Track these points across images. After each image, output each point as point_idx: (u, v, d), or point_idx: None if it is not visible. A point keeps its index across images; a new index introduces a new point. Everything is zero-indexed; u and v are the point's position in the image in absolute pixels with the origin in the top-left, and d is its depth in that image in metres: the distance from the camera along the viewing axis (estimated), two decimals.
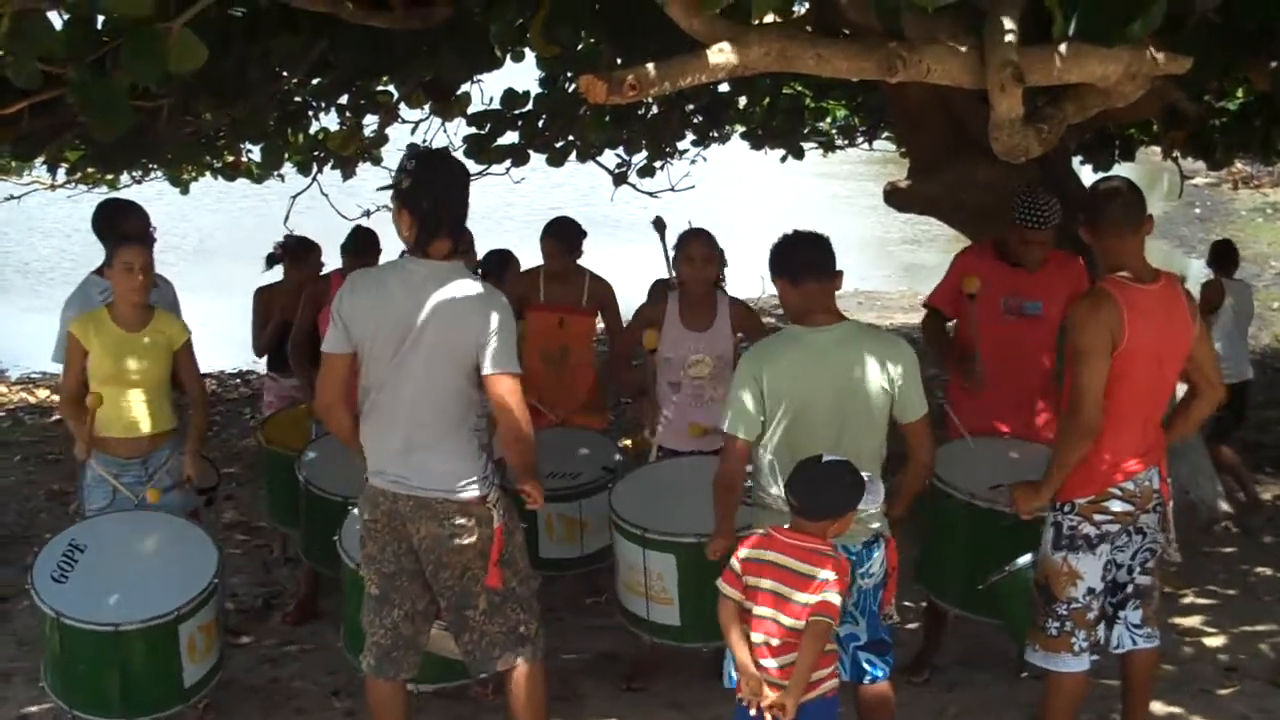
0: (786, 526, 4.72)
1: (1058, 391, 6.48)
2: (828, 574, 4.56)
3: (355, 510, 5.96)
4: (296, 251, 8.38)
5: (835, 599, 4.56)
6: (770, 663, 4.59)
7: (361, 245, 7.54)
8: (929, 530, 5.85)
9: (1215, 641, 6.82)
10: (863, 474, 4.77)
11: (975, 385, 6.52)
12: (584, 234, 7.71)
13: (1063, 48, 4.25)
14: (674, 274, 6.89)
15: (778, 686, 4.57)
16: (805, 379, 4.95)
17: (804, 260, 5.11)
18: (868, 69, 4.28)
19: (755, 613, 4.62)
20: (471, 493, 4.92)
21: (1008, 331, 6.49)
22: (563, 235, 7.58)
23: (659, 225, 7.65)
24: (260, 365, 9.54)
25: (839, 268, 5.16)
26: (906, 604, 6.83)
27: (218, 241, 25.63)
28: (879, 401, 4.99)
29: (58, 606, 5.63)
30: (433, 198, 4.94)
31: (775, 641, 4.58)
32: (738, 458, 5.04)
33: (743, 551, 4.70)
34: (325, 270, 8.09)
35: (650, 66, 3.97)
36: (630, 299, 7.73)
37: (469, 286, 4.90)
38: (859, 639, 5.06)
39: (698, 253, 6.57)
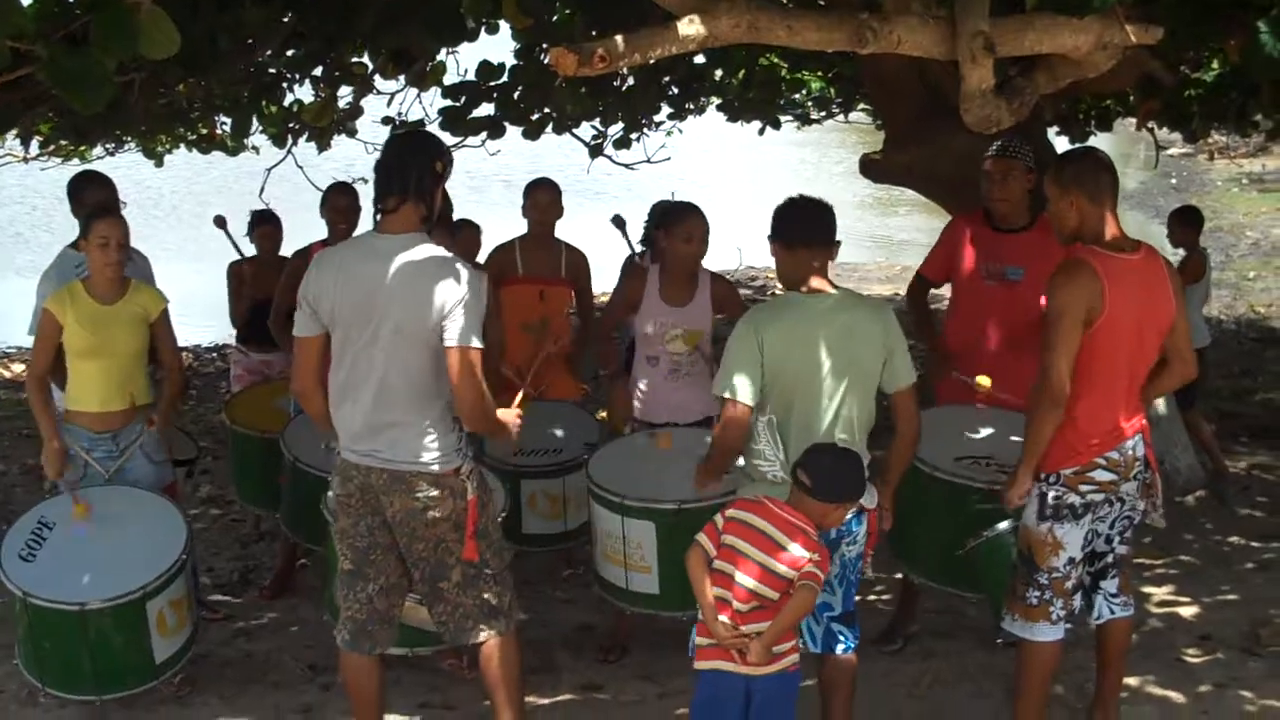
0: (782, 499, 4.72)
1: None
2: (815, 555, 4.58)
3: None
4: (252, 222, 8.42)
5: (820, 573, 4.59)
6: (739, 626, 4.61)
7: (329, 194, 7.59)
8: (901, 501, 5.86)
9: (1188, 610, 6.85)
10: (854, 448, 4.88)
11: (940, 378, 6.60)
12: None
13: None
14: (641, 255, 6.87)
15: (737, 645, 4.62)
16: (804, 344, 4.91)
17: (802, 226, 5.08)
18: (838, 40, 4.29)
19: (728, 572, 4.61)
20: (444, 465, 4.90)
21: (989, 296, 6.50)
22: (554, 188, 7.53)
23: (619, 223, 7.65)
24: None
25: (838, 239, 5.15)
26: (879, 574, 6.87)
27: (190, 208, 25.62)
28: (872, 368, 4.99)
29: (25, 586, 5.62)
30: (383, 161, 4.97)
31: (744, 607, 4.59)
32: (739, 423, 4.95)
33: (731, 511, 4.70)
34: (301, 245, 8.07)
35: (619, 38, 3.97)
36: (602, 269, 7.72)
37: (432, 258, 4.84)
38: (833, 610, 5.07)
39: (696, 231, 6.48)
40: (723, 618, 4.62)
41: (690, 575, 4.70)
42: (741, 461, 5.08)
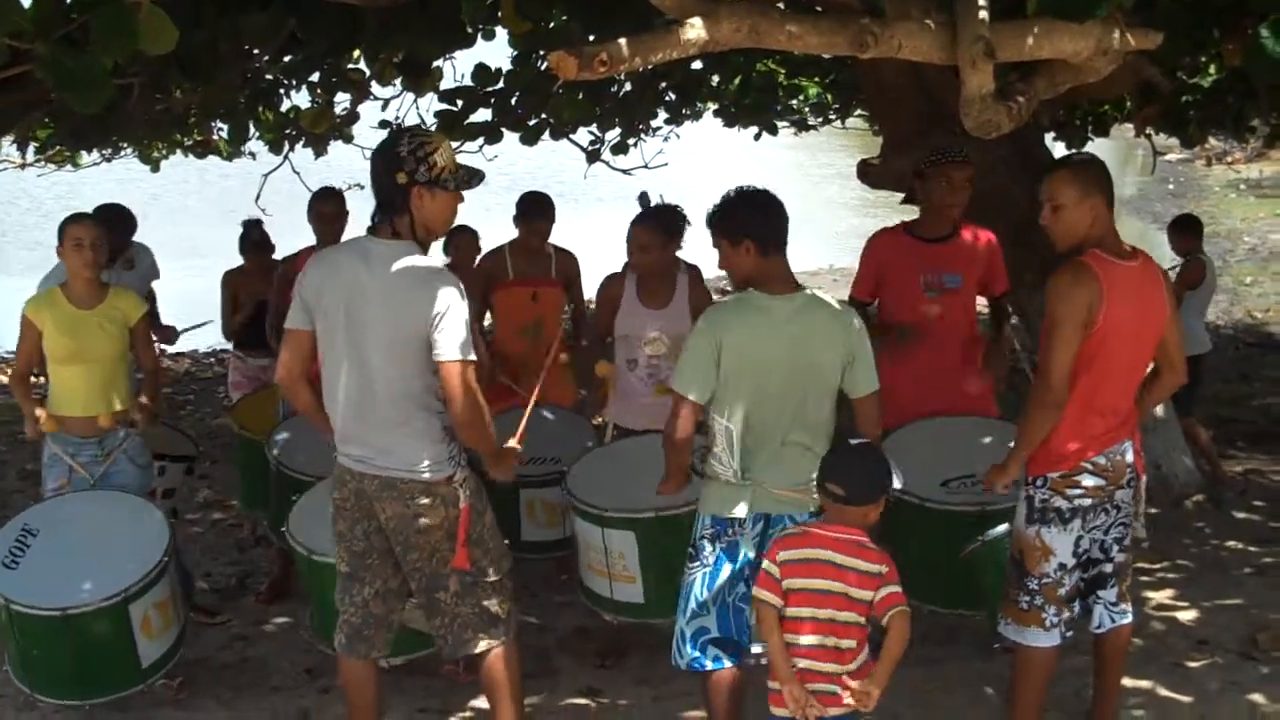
0: (819, 520, 4.67)
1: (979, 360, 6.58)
2: (883, 567, 4.52)
3: (301, 499, 5.98)
4: (245, 239, 8.45)
5: (899, 588, 4.52)
6: (829, 666, 4.53)
7: (314, 200, 7.63)
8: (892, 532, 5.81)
9: (1187, 615, 6.84)
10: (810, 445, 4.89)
11: (906, 341, 6.58)
12: None
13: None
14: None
15: (828, 694, 4.54)
16: (764, 346, 4.84)
17: (778, 228, 4.96)
18: (839, 45, 4.28)
19: (805, 615, 4.53)
20: (436, 473, 4.87)
21: (930, 308, 6.52)
22: (551, 213, 7.56)
23: (644, 200, 7.66)
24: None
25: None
26: None
27: (190, 213, 25.69)
28: (832, 373, 4.92)
29: (7, 592, 5.64)
30: (370, 174, 4.95)
31: (834, 642, 4.52)
32: (689, 418, 4.91)
33: (782, 554, 4.57)
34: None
35: (621, 42, 3.96)
36: (600, 274, 7.72)
37: (418, 267, 4.80)
38: None
39: (636, 241, 6.49)
40: (802, 662, 4.55)
41: (766, 637, 4.60)
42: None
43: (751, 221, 4.96)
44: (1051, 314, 4.97)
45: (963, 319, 6.64)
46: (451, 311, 4.72)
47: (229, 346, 9.53)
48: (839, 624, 4.52)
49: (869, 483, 4.59)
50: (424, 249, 4.92)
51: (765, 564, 4.62)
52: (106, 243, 6.30)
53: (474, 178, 5.00)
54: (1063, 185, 5.05)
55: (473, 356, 4.77)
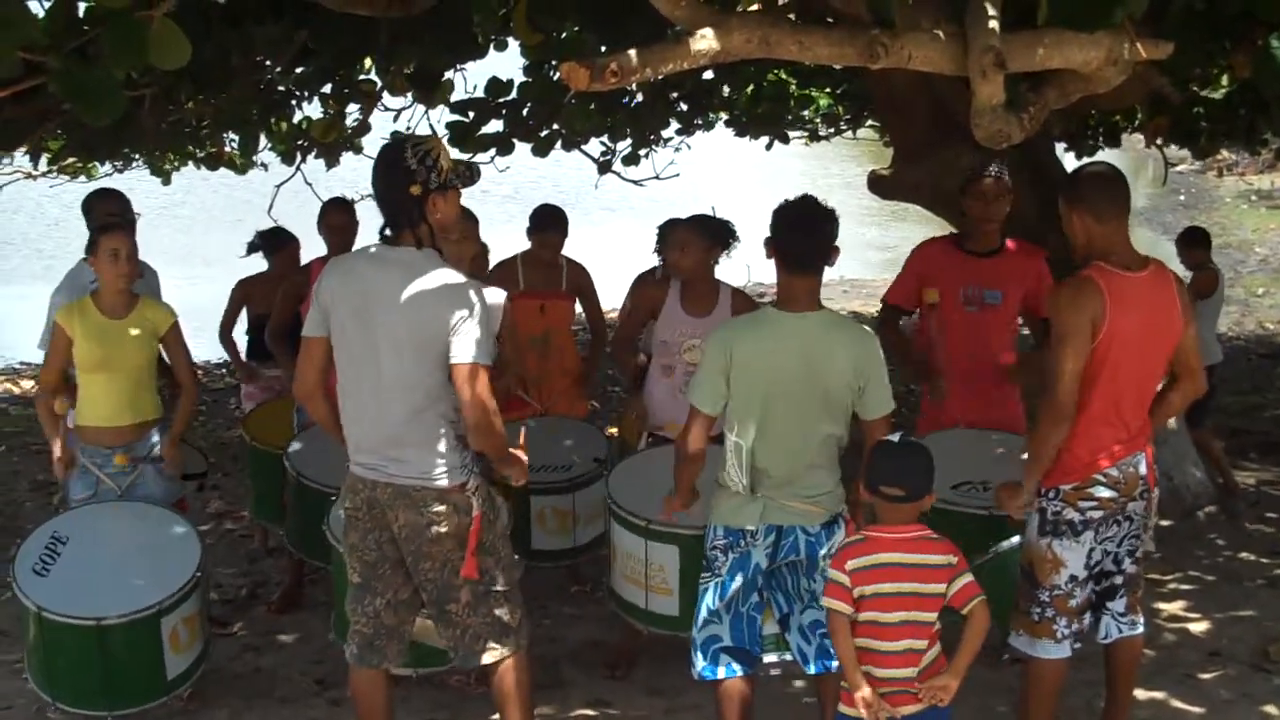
0: (873, 524, 4.68)
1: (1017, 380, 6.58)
2: (953, 558, 4.57)
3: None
4: (272, 244, 8.42)
5: (973, 578, 4.57)
6: (905, 671, 4.56)
7: (325, 210, 7.63)
8: None
9: (1199, 626, 6.83)
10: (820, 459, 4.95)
11: (938, 396, 6.61)
12: None
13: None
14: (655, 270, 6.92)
15: (908, 695, 4.57)
16: (771, 362, 4.86)
17: (809, 248, 4.98)
18: (849, 55, 4.28)
19: (881, 621, 4.55)
20: (449, 480, 4.87)
21: (968, 322, 6.53)
22: (564, 227, 7.60)
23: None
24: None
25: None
26: None
27: (198, 223, 25.73)
28: (843, 394, 4.92)
29: (39, 600, 5.62)
30: (373, 188, 4.94)
31: (908, 644, 4.56)
32: (701, 430, 4.97)
33: (850, 562, 4.58)
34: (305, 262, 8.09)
35: (632, 53, 3.96)
36: (610, 284, 7.74)
37: (438, 274, 4.80)
38: (824, 625, 4.97)
39: (676, 240, 6.59)
40: (878, 671, 4.57)
41: (837, 645, 4.63)
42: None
43: (784, 236, 4.99)
44: (1056, 328, 4.98)
45: (999, 336, 6.63)
46: (471, 317, 4.74)
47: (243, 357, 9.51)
48: (913, 624, 4.56)
49: (923, 478, 4.63)
50: (442, 255, 4.93)
51: (833, 573, 4.63)
52: (137, 251, 6.32)
53: (473, 171, 5.07)
54: (1059, 200, 5.16)
55: (485, 360, 4.77)
